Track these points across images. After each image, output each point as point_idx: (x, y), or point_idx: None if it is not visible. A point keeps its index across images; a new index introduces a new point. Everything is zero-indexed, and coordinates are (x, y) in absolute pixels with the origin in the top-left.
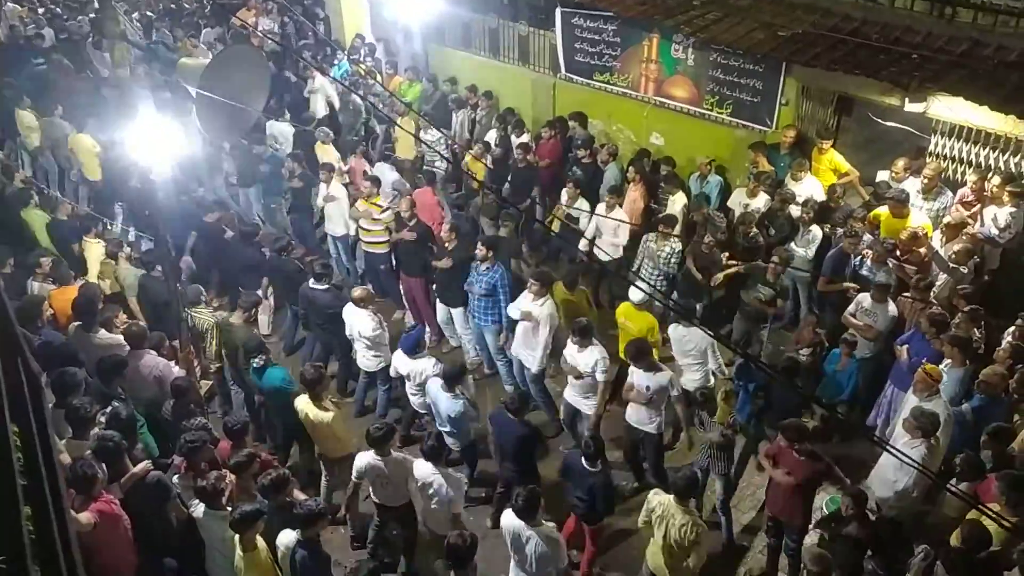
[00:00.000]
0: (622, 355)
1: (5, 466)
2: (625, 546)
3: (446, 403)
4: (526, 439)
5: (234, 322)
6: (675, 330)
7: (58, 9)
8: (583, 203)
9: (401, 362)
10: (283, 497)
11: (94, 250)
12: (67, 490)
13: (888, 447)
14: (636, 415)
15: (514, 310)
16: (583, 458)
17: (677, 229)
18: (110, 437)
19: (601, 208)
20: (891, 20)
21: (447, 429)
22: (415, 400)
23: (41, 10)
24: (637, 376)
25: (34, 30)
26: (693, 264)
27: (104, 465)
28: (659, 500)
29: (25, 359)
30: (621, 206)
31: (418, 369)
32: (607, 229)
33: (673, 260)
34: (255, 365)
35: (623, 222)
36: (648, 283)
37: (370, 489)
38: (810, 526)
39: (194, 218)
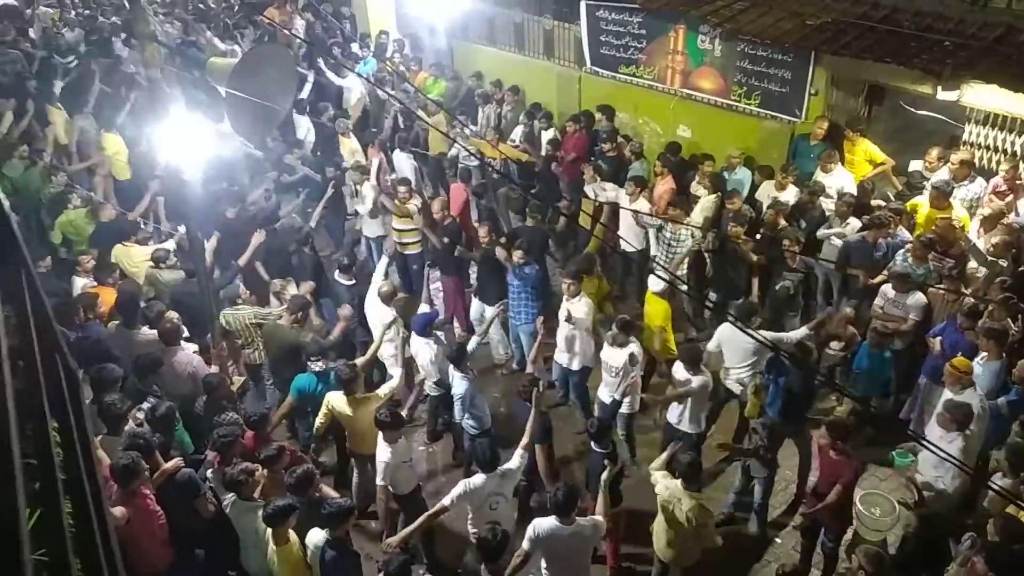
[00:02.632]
0: (647, 345)
1: (45, 461)
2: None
3: (459, 382)
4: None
5: (282, 323)
6: (728, 330)
7: (87, 11)
8: (608, 185)
9: (414, 346)
10: (312, 492)
11: (134, 254)
12: (107, 484)
13: (925, 443)
14: (675, 414)
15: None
16: (592, 442)
17: (697, 219)
18: (141, 434)
19: (624, 198)
20: (922, 7)
21: (466, 415)
22: (428, 385)
23: (72, 12)
24: (681, 376)
25: (67, 32)
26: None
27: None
28: (664, 485)
29: (64, 355)
30: (647, 198)
31: (420, 349)
32: (629, 222)
33: (682, 248)
34: (316, 369)
35: (644, 213)
36: (666, 269)
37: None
38: (848, 526)
39: (218, 217)
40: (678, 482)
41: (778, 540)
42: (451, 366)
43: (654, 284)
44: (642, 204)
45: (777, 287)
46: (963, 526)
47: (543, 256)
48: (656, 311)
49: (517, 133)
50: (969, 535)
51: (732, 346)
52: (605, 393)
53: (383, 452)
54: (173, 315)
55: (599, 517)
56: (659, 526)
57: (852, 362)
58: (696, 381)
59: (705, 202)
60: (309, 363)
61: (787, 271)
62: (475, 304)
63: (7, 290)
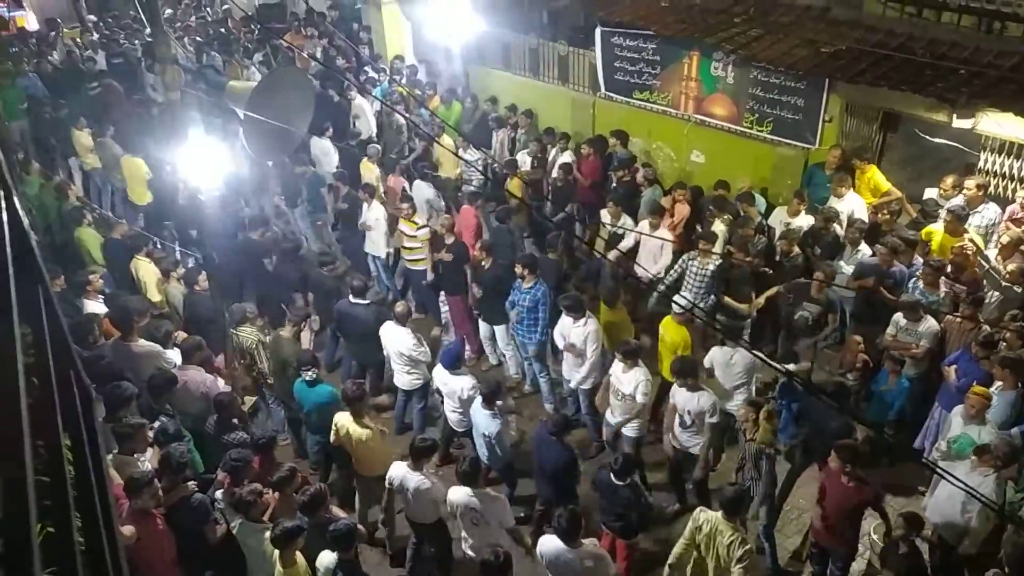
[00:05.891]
0: (663, 372)
1: (57, 478)
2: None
3: (484, 422)
4: (567, 463)
5: (283, 335)
6: (720, 353)
7: (108, 32)
8: (627, 221)
9: (442, 378)
10: (322, 514)
11: (145, 269)
12: (118, 502)
13: (940, 472)
14: (680, 436)
15: (557, 336)
16: (612, 474)
17: (718, 247)
18: (181, 453)
19: (644, 227)
20: (937, 35)
21: (484, 450)
22: (453, 417)
23: (96, 35)
24: (680, 397)
25: (89, 55)
26: (726, 284)
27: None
28: (706, 517)
29: (79, 373)
30: (666, 227)
31: (458, 386)
32: (649, 249)
33: (710, 279)
34: (307, 379)
35: (667, 240)
36: (690, 300)
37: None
38: (856, 553)
39: (238, 236)
40: (719, 513)
41: (791, 569)
42: (478, 403)
43: (677, 310)
44: (664, 233)
45: (796, 316)
46: (989, 561)
47: (560, 284)
48: (676, 339)
49: (525, 155)
50: (993, 572)
51: (721, 369)
52: (612, 416)
53: (411, 479)
54: (182, 334)
55: (603, 552)
56: (696, 565)
57: (869, 389)
58: (695, 404)
59: (717, 227)
60: (301, 371)
61: (808, 301)
62: (482, 325)
63: (24, 307)
